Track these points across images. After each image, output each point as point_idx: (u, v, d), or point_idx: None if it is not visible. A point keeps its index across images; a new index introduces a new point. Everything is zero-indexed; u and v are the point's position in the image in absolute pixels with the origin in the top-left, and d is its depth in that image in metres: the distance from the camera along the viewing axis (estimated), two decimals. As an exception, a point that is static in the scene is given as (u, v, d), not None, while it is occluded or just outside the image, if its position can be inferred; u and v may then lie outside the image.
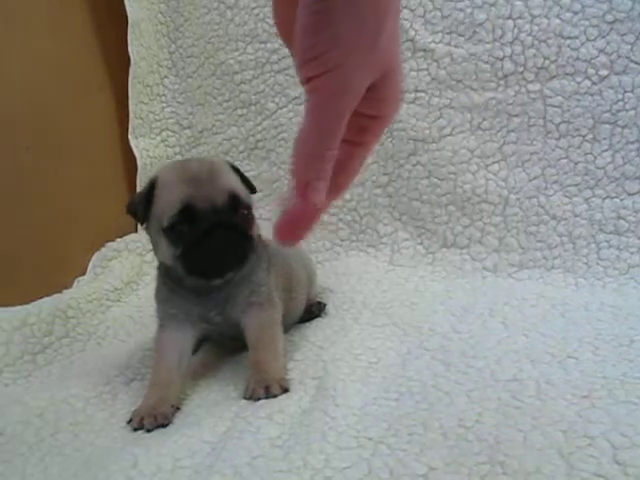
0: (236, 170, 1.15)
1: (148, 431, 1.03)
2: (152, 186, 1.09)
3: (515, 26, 1.54)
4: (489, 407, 0.96)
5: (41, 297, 1.47)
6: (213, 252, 1.06)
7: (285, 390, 1.08)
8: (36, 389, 1.18)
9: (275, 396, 1.06)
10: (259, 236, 1.18)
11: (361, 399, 1.03)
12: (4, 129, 1.53)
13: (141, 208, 1.09)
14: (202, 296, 1.15)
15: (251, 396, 1.07)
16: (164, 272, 1.19)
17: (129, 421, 1.06)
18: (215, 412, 1.05)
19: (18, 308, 1.39)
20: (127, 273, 1.70)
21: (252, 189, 1.17)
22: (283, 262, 1.31)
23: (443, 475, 0.81)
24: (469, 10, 1.58)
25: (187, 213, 1.05)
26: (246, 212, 1.10)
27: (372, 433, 0.92)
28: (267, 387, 1.07)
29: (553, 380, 1.02)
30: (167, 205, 1.06)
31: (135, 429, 1.04)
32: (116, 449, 0.96)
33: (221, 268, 1.10)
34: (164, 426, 1.04)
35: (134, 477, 0.86)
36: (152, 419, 1.04)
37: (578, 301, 1.33)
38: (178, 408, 1.09)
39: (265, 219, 1.82)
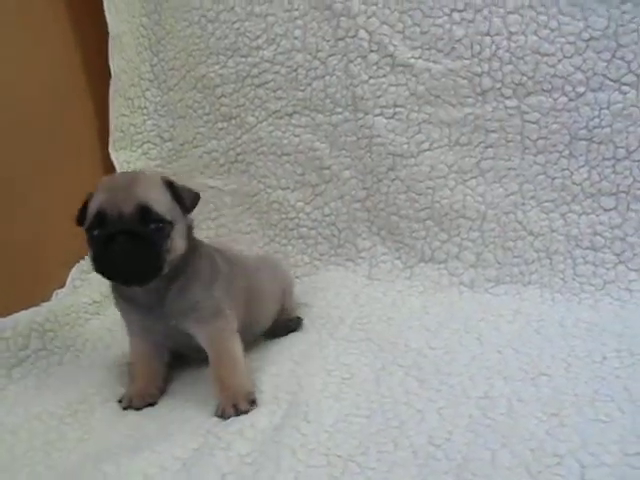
0: (171, 186, 1.14)
1: (137, 409, 1.16)
2: (90, 196, 1.12)
3: (493, 43, 1.55)
4: (460, 425, 0.97)
5: (18, 310, 1.46)
6: (115, 257, 1.06)
7: (253, 403, 1.10)
8: (10, 404, 1.18)
9: (245, 412, 1.08)
10: (198, 251, 1.20)
11: (333, 416, 1.03)
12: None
13: (79, 215, 1.13)
14: (141, 307, 1.18)
15: (222, 415, 1.09)
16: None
17: (119, 401, 1.19)
18: (187, 428, 1.06)
19: (-6, 321, 1.38)
20: (106, 286, 1.68)
21: (186, 208, 1.17)
22: (243, 274, 1.31)
23: (411, 494, 0.81)
24: (447, 26, 1.59)
25: (99, 217, 1.07)
26: (159, 225, 1.08)
27: (342, 451, 0.93)
28: (235, 405, 1.09)
29: (524, 397, 1.02)
30: (90, 210, 1.09)
31: (124, 408, 1.17)
32: (88, 467, 0.96)
33: (124, 274, 1.10)
34: (152, 405, 1.18)
35: (102, 496, 0.86)
36: (140, 399, 1.18)
37: (554, 317, 1.33)
38: (164, 390, 1.23)
39: (244, 233, 1.83)
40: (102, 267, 1.09)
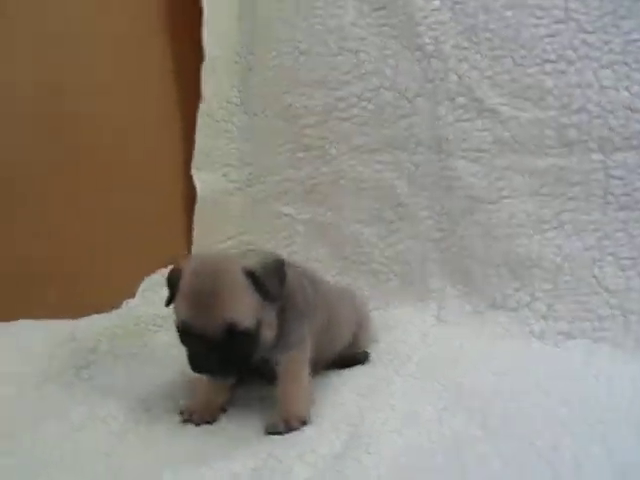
0: (253, 276, 1.10)
1: (196, 425, 1.16)
2: (178, 278, 1.11)
3: (583, 95, 1.54)
4: (525, 474, 0.94)
5: (91, 314, 1.50)
6: (202, 365, 1.10)
7: (304, 423, 1.12)
8: (78, 402, 1.20)
9: (295, 429, 1.10)
10: (291, 283, 1.18)
11: (394, 450, 1.02)
12: (76, 145, 1.59)
13: (169, 294, 1.14)
14: None
15: (271, 430, 1.10)
16: None
17: (180, 413, 1.20)
18: (247, 447, 1.06)
19: (67, 322, 1.42)
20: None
21: (271, 298, 1.12)
22: (325, 303, 1.32)
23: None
24: (538, 76, 1.59)
25: (184, 328, 1.08)
26: (247, 337, 1.09)
27: (403, 486, 0.92)
28: (286, 421, 1.11)
29: (592, 454, 0.99)
30: (175, 306, 1.11)
31: (185, 421, 1.18)
32: (146, 474, 0.97)
33: (215, 376, 1.16)
34: (210, 423, 1.17)
35: (161, 502, 0.87)
36: (200, 415, 1.18)
37: (625, 378, 1.29)
38: (225, 410, 1.22)
39: (315, 261, 1.84)
40: (194, 367, 1.12)
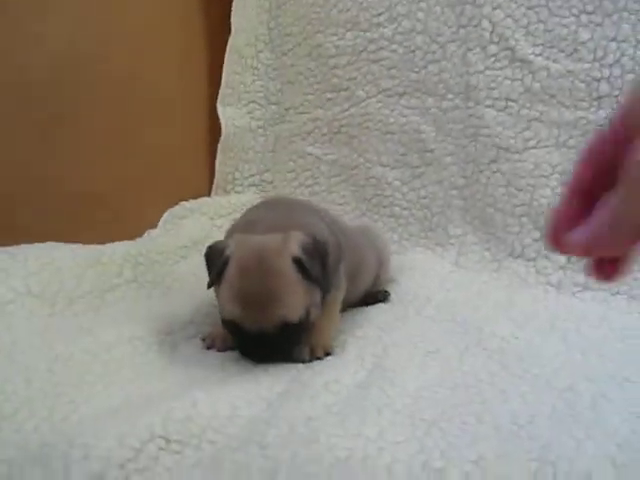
0: (299, 264, 1.09)
1: (218, 351, 1.18)
2: (225, 262, 1.09)
3: (618, 49, 1.53)
4: (543, 411, 0.97)
5: (115, 240, 1.53)
6: (256, 358, 1.12)
7: (328, 354, 1.15)
8: (105, 324, 1.23)
9: (319, 358, 1.13)
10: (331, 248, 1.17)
11: (417, 384, 1.04)
12: (102, 75, 1.60)
13: (213, 277, 1.12)
14: None
15: (297, 357, 1.13)
16: None
17: (202, 339, 1.22)
18: (273, 372, 1.09)
19: (93, 246, 1.45)
20: (197, 233, 1.75)
21: (316, 281, 1.12)
22: (354, 251, 1.34)
23: (493, 465, 0.82)
24: (573, 27, 1.58)
25: (235, 327, 1.09)
26: (300, 329, 1.11)
27: (426, 415, 0.94)
28: (312, 349, 1.14)
29: (609, 396, 1.02)
30: (221, 302, 1.11)
31: (208, 348, 1.19)
32: (176, 391, 1.00)
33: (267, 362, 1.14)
34: (232, 349, 1.17)
35: (193, 416, 0.89)
36: (223, 341, 1.19)
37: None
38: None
39: (337, 203, 1.86)
40: (244, 355, 1.13)
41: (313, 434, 0.88)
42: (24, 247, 1.35)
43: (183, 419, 0.88)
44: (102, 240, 1.50)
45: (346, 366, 1.11)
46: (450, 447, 0.86)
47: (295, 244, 1.10)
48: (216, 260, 1.11)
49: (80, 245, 1.43)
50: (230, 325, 1.10)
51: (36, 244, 1.37)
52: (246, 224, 1.23)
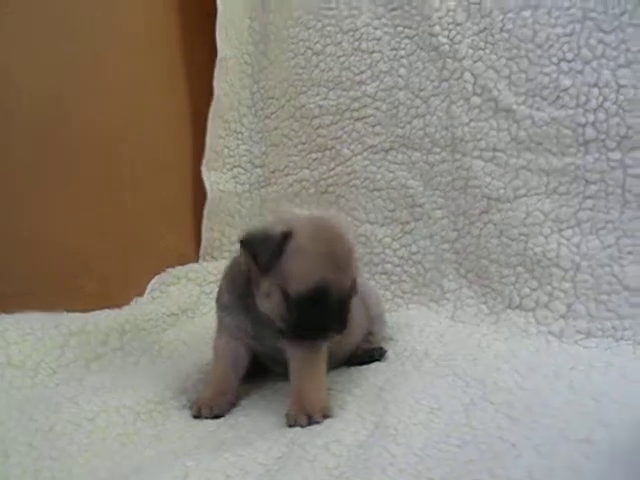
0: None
1: (205, 418, 1.14)
2: (284, 239, 1.07)
3: (600, 94, 1.52)
4: (560, 464, 0.91)
5: (100, 309, 1.48)
6: (327, 321, 1.09)
7: (325, 416, 1.09)
8: (89, 394, 1.16)
9: (317, 422, 1.07)
10: None
11: (422, 441, 0.99)
12: (87, 137, 1.58)
13: (268, 258, 1.07)
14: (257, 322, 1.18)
15: (294, 423, 1.08)
16: (237, 285, 1.19)
17: (190, 407, 1.18)
18: (269, 436, 1.03)
19: (78, 315, 1.40)
20: (185, 300, 1.70)
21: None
22: None
23: (513, 523, 0.77)
24: (554, 75, 1.58)
25: (319, 294, 1.06)
26: (353, 293, 1.13)
27: (433, 474, 0.89)
28: (309, 415, 1.08)
29: (628, 445, 0.96)
30: (301, 274, 1.07)
31: (194, 416, 1.15)
32: (167, 461, 0.94)
33: (325, 333, 1.12)
34: (218, 417, 1.15)
35: (185, 486, 0.84)
36: (209, 409, 1.16)
37: (649, 373, 1.27)
38: (234, 404, 1.20)
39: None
40: (301, 331, 1.10)
41: (315, 500, 0.82)
42: (4, 317, 1.30)
43: (174, 490, 0.82)
44: (87, 309, 1.45)
45: (346, 426, 1.05)
46: (463, 506, 0.81)
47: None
48: (267, 240, 1.07)
49: (63, 314, 1.38)
50: (314, 295, 1.06)
51: (16, 314, 1.32)
52: None
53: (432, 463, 0.92)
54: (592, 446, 0.96)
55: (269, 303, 1.10)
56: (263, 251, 1.07)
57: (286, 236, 1.07)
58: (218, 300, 1.26)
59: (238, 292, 1.18)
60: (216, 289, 1.69)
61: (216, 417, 1.15)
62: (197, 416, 1.15)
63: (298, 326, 1.08)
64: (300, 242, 1.07)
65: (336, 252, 1.09)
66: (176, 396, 1.23)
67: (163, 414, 1.16)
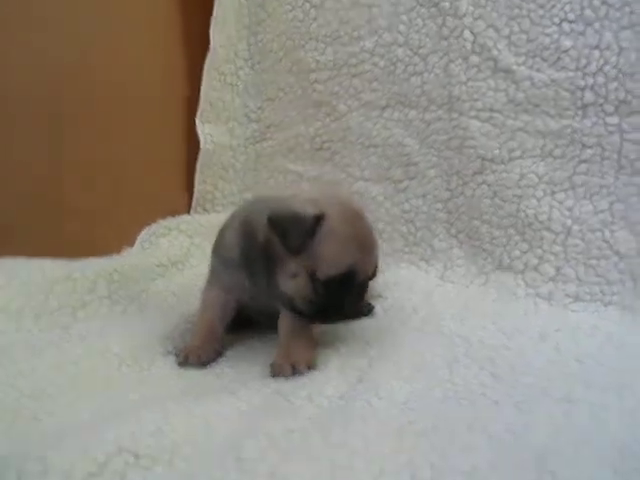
0: None
1: (192, 366, 1.13)
2: (317, 221, 1.07)
3: (601, 57, 1.50)
4: (539, 420, 0.92)
5: (88, 257, 1.47)
6: (349, 305, 1.11)
7: (310, 368, 1.10)
8: (74, 340, 1.17)
9: (301, 373, 1.07)
10: None
11: (405, 395, 0.99)
12: (81, 92, 1.55)
13: (300, 240, 1.06)
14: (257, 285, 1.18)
15: (278, 374, 1.08)
16: (248, 247, 1.18)
17: (176, 355, 1.17)
18: (253, 386, 1.04)
19: (64, 261, 1.39)
20: (175, 252, 1.70)
21: None
22: None
23: (488, 474, 0.77)
24: (555, 36, 1.55)
25: (348, 278, 1.08)
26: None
27: (415, 427, 0.89)
28: (293, 365, 1.09)
29: (607, 405, 0.97)
30: (333, 258, 1.07)
31: (180, 364, 1.14)
32: (150, 404, 0.94)
33: (343, 317, 1.14)
34: (205, 365, 1.15)
35: (165, 430, 0.84)
36: (196, 357, 1.15)
37: (635, 338, 1.27)
38: (220, 353, 1.20)
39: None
40: (322, 312, 1.10)
41: (294, 446, 0.82)
42: (-12, 261, 1.29)
43: (155, 433, 0.83)
44: (75, 258, 1.44)
45: (330, 379, 1.05)
46: (441, 458, 0.81)
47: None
48: (299, 223, 1.07)
49: (49, 260, 1.37)
50: (342, 278, 1.07)
51: (1, 259, 1.31)
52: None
53: (413, 416, 0.92)
54: (572, 405, 0.96)
55: (294, 284, 1.10)
56: (295, 233, 1.07)
57: (318, 219, 1.07)
58: (218, 252, 1.26)
59: (246, 253, 1.18)
60: (207, 242, 1.71)
61: (202, 365, 1.15)
62: (183, 364, 1.15)
63: (321, 308, 1.09)
64: (333, 225, 1.08)
65: (365, 236, 1.11)
66: (162, 343, 1.23)
67: (148, 360, 1.15)
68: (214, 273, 1.27)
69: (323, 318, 1.11)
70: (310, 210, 1.08)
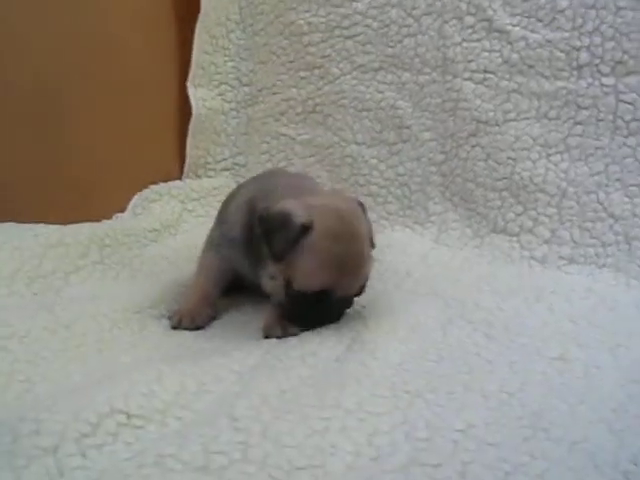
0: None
1: (185, 329, 1.13)
2: (303, 231, 1.04)
3: (597, 16, 1.48)
4: (533, 379, 0.92)
5: (80, 222, 1.46)
6: (324, 319, 1.10)
7: (304, 330, 1.09)
8: (66, 303, 1.16)
9: (293, 334, 1.07)
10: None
11: (399, 357, 0.99)
12: (70, 57, 1.53)
13: (282, 248, 1.04)
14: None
15: (269, 333, 1.08)
16: (249, 226, 1.16)
17: (169, 317, 1.16)
18: (245, 347, 1.03)
19: (56, 227, 1.38)
20: (167, 217, 1.68)
21: (373, 245, 1.16)
22: None
23: (483, 433, 0.77)
24: (552, -4, 1.54)
25: (322, 295, 1.06)
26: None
27: (410, 387, 0.89)
28: (284, 325, 1.08)
29: (602, 364, 0.97)
30: (309, 274, 1.04)
31: (174, 327, 1.13)
32: (142, 366, 0.93)
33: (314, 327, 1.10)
34: (199, 328, 1.14)
35: (156, 391, 0.83)
36: (190, 320, 1.14)
37: (629, 300, 1.27)
38: (214, 317, 1.19)
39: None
40: (298, 319, 1.09)
41: (286, 406, 0.82)
42: (-20, 226, 1.28)
43: (146, 393, 0.82)
44: (65, 222, 1.42)
45: (323, 340, 1.05)
46: (436, 417, 0.81)
47: (363, 210, 1.17)
48: (286, 229, 1.04)
49: (42, 225, 1.36)
50: (316, 295, 1.05)
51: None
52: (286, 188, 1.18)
53: (408, 376, 0.92)
54: (566, 364, 0.97)
55: (272, 285, 1.10)
56: (279, 239, 1.04)
57: (305, 229, 1.04)
58: (221, 226, 1.26)
59: (247, 235, 1.17)
60: (199, 207, 1.70)
61: (197, 328, 1.14)
62: (176, 327, 1.14)
63: (295, 315, 1.09)
64: (317, 239, 1.04)
65: (350, 254, 1.06)
66: (155, 306, 1.22)
67: (141, 323, 1.15)
68: (214, 241, 1.26)
69: (299, 322, 1.09)
70: (299, 218, 1.04)
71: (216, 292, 1.23)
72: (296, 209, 1.06)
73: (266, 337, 1.08)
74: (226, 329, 1.17)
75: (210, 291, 1.22)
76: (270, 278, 1.10)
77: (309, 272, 1.04)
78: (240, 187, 1.28)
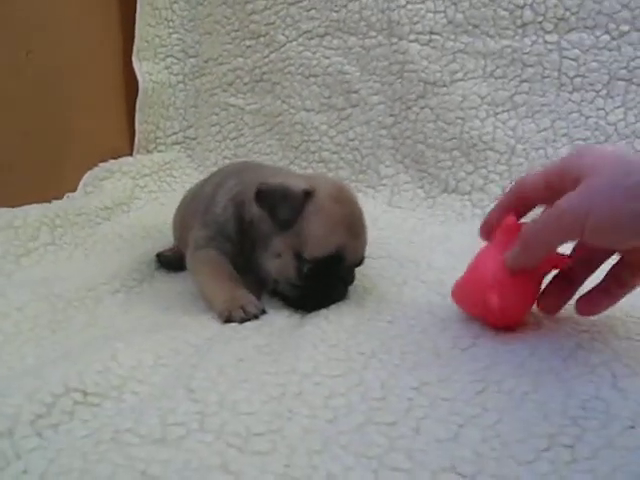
0: None
1: (244, 321, 1.00)
2: (306, 197, 1.01)
3: (539, -27, 1.50)
4: (486, 334, 0.93)
5: (30, 204, 1.44)
6: (327, 295, 1.06)
7: (263, 311, 1.03)
8: (17, 285, 1.14)
9: (255, 316, 1.01)
10: None
11: (354, 319, 1.00)
12: (5, 33, 1.49)
13: (288, 215, 1.01)
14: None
15: (228, 318, 1.01)
16: (238, 223, 1.13)
17: (226, 320, 1.01)
18: (202, 320, 1.03)
19: (3, 210, 1.35)
20: (119, 194, 1.66)
21: None
22: None
23: (436, 389, 0.78)
24: (493, -46, 1.54)
25: (335, 260, 1.02)
26: None
27: (364, 348, 0.89)
28: (242, 306, 1.02)
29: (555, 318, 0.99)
30: (320, 237, 1.01)
31: (242, 321, 1.00)
32: (98, 345, 0.93)
33: (327, 302, 1.06)
34: (257, 317, 1.01)
35: (112, 368, 0.83)
36: (242, 311, 1.01)
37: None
38: (264, 311, 1.04)
39: (264, 153, 1.79)
40: (305, 300, 1.05)
41: (243, 374, 0.82)
42: None
43: (102, 371, 0.81)
44: (13, 204, 1.40)
45: (278, 310, 1.05)
46: (390, 377, 0.82)
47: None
48: (288, 197, 1.00)
49: (-13, 208, 1.34)
50: (329, 261, 1.01)
51: None
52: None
53: (363, 338, 0.93)
54: (519, 318, 0.99)
55: (278, 264, 1.05)
56: (283, 208, 1.00)
57: (308, 194, 1.01)
58: (208, 226, 1.17)
59: (237, 232, 1.13)
60: (151, 183, 1.68)
61: (255, 317, 1.02)
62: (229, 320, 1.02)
63: (305, 292, 1.04)
64: (323, 203, 1.02)
65: (356, 218, 1.05)
66: (109, 282, 1.19)
67: (95, 300, 1.13)
68: (203, 240, 1.16)
69: (308, 303, 1.04)
70: (300, 185, 1.02)
71: (235, 272, 1.13)
72: (294, 179, 1.06)
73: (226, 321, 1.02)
74: (184, 303, 1.16)
75: (231, 272, 1.12)
76: (276, 257, 1.05)
77: (321, 235, 1.01)
78: (217, 186, 1.20)
